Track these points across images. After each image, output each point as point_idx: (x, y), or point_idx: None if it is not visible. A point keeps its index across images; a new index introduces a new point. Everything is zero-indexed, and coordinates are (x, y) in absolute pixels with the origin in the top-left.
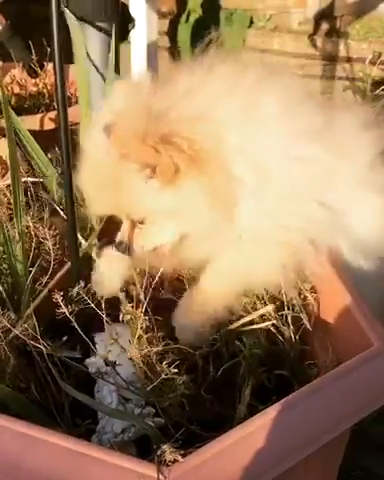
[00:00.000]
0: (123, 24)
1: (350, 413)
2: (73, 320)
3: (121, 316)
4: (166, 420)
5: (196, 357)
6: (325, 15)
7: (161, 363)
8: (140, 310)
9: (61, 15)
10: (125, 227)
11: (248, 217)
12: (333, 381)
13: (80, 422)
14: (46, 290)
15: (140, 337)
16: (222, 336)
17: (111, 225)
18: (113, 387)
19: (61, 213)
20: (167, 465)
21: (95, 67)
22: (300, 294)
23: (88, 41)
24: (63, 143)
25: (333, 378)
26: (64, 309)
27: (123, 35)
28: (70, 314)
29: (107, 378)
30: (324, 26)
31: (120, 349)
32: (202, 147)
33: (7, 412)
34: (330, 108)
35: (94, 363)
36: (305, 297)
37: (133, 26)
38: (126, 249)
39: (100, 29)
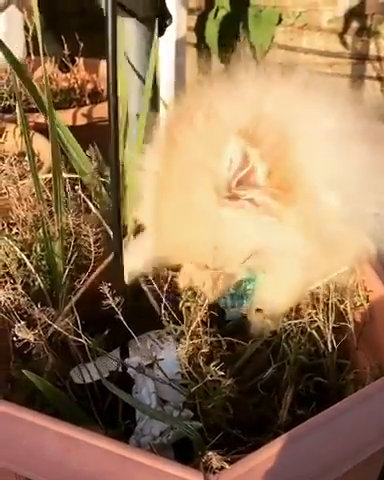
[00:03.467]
0: (161, 19)
1: None
2: (119, 312)
3: (180, 304)
4: (204, 423)
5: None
6: (355, 13)
7: (208, 364)
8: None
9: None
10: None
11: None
12: (376, 392)
13: (121, 421)
14: (86, 286)
15: (193, 333)
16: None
17: None
18: (152, 388)
19: (94, 211)
20: (214, 472)
21: (130, 64)
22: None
23: (126, 38)
24: (112, 141)
25: (375, 389)
26: (111, 300)
27: (160, 31)
28: (116, 306)
29: (148, 376)
30: (354, 25)
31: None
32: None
33: (48, 409)
34: None
35: (136, 362)
36: (356, 305)
37: (170, 22)
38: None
39: (143, 20)
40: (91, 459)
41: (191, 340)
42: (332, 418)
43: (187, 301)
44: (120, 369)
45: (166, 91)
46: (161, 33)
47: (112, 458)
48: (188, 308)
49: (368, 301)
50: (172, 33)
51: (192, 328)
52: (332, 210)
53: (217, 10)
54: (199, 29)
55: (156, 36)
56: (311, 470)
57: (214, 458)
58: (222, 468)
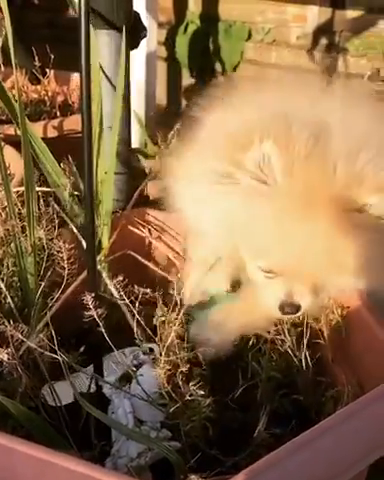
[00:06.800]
0: (134, 32)
1: (374, 446)
2: (101, 323)
3: (155, 319)
4: (182, 443)
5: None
6: (324, 30)
7: (187, 383)
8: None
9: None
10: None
11: None
12: (361, 409)
13: (96, 443)
14: (59, 303)
15: (169, 348)
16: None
17: (124, 241)
18: (129, 408)
19: (71, 226)
20: None
21: (105, 75)
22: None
23: (100, 50)
24: (86, 153)
25: (361, 406)
26: (93, 312)
27: (134, 44)
28: (99, 317)
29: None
30: (323, 41)
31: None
32: None
33: (21, 432)
34: None
35: (112, 380)
36: (330, 322)
37: (145, 35)
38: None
39: (117, 31)
40: None
41: (167, 357)
42: (315, 437)
43: (162, 316)
44: (94, 389)
45: (137, 104)
46: (136, 45)
47: None
48: (163, 323)
49: (343, 318)
50: (143, 47)
51: (167, 344)
52: None
53: (187, 24)
54: (169, 43)
55: (125, 47)
56: None
57: None
58: None
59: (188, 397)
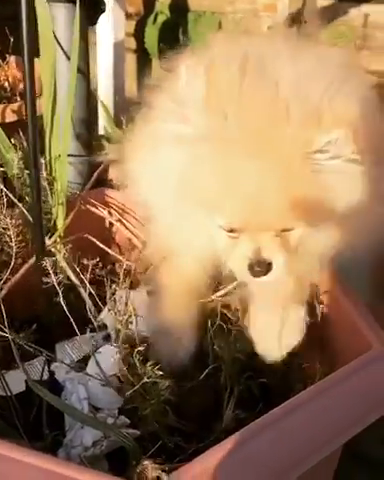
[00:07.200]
0: (92, 5)
1: (349, 423)
2: (60, 291)
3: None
4: (142, 431)
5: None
6: (294, 20)
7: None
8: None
9: None
10: (267, 239)
11: None
12: (331, 387)
13: (47, 433)
14: (9, 284)
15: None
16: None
17: (80, 221)
18: (83, 394)
19: (19, 205)
20: None
21: (63, 51)
22: None
23: (56, 27)
24: (30, 131)
25: (331, 384)
26: (52, 278)
27: (93, 19)
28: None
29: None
30: (294, 30)
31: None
32: None
33: None
34: None
35: (65, 366)
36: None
37: (103, 10)
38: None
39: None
40: (15, 474)
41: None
42: (280, 417)
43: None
44: (47, 376)
45: (105, 95)
46: (95, 21)
47: (38, 473)
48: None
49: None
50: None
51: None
52: None
53: (157, 15)
54: (138, 34)
55: (80, 19)
56: (259, 476)
57: (150, 467)
58: (158, 479)
59: (146, 379)
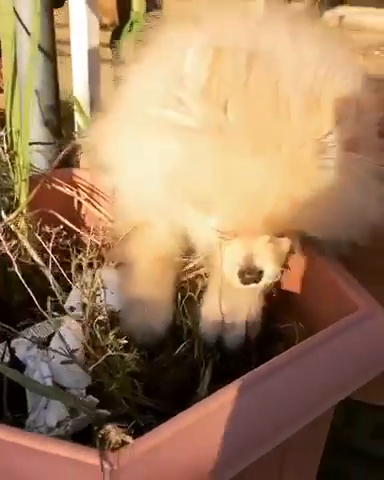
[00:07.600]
0: None
1: (335, 387)
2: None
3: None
4: (113, 412)
5: None
6: None
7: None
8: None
9: None
10: (260, 246)
11: None
12: (315, 347)
13: (9, 415)
14: None
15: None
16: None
17: (45, 200)
18: (47, 372)
19: None
20: (113, 450)
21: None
22: None
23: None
24: None
25: (315, 344)
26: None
27: (58, 1)
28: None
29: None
30: None
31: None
32: None
33: None
34: None
35: (22, 342)
36: None
37: None
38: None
39: None
40: None
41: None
42: (260, 379)
43: (80, 259)
44: (7, 356)
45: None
46: (60, 3)
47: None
48: (80, 266)
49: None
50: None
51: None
52: None
53: (132, 24)
54: (114, 45)
55: None
56: (240, 438)
57: (112, 432)
58: (123, 443)
59: (110, 351)
